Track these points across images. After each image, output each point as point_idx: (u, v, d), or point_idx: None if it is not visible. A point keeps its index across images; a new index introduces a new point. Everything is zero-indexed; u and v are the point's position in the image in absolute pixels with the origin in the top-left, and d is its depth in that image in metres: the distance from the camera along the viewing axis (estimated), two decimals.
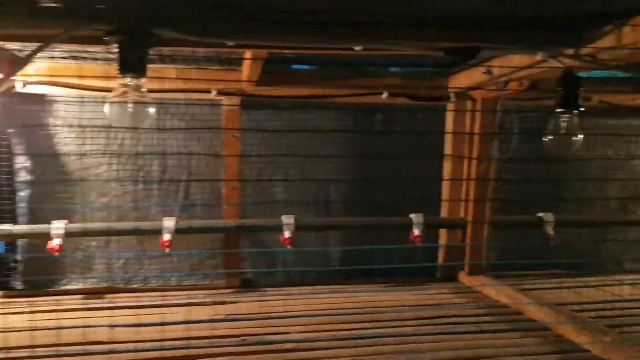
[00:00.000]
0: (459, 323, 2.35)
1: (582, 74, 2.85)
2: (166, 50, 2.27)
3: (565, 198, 3.26)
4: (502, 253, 3.07)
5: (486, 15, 1.81)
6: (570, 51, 1.92)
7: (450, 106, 3.02)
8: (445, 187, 3.09)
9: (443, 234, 3.17)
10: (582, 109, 1.90)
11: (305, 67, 2.94)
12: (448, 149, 3.05)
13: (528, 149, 3.01)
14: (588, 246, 3.36)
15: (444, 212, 3.11)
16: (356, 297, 2.73)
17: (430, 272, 3.17)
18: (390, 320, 2.40)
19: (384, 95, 2.88)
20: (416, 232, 2.89)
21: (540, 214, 3.01)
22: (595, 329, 2.16)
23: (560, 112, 1.94)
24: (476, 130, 2.91)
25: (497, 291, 2.71)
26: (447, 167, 3.07)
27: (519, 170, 3.01)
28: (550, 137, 1.95)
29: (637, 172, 3.35)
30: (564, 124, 1.93)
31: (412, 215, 2.91)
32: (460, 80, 2.78)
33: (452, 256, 3.11)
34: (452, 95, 2.94)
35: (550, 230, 2.98)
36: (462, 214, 3.04)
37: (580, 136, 1.93)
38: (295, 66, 2.88)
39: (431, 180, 3.11)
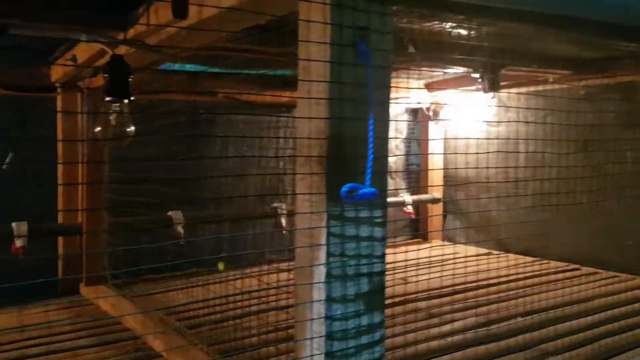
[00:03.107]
0: (45, 343, 2.05)
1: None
2: None
3: (200, 197, 3.21)
4: (127, 258, 2.85)
5: None
6: (121, 35, 1.78)
7: (59, 98, 2.69)
8: (61, 191, 2.75)
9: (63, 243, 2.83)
10: (132, 98, 1.75)
11: None
12: (60, 151, 2.72)
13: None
14: (228, 241, 3.37)
15: (61, 219, 2.77)
16: None
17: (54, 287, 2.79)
18: None
19: None
20: (18, 243, 2.49)
21: (169, 213, 2.88)
22: (176, 333, 2.06)
23: (110, 101, 1.76)
24: (85, 126, 2.63)
25: (105, 302, 2.48)
26: (61, 170, 2.73)
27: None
28: (99, 128, 1.77)
29: (270, 166, 3.50)
30: (114, 114, 1.76)
31: (13, 224, 2.49)
32: (59, 69, 2.48)
33: (72, 267, 2.79)
34: (57, 85, 2.61)
35: (180, 229, 2.87)
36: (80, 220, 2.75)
37: (132, 127, 1.78)
38: None
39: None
